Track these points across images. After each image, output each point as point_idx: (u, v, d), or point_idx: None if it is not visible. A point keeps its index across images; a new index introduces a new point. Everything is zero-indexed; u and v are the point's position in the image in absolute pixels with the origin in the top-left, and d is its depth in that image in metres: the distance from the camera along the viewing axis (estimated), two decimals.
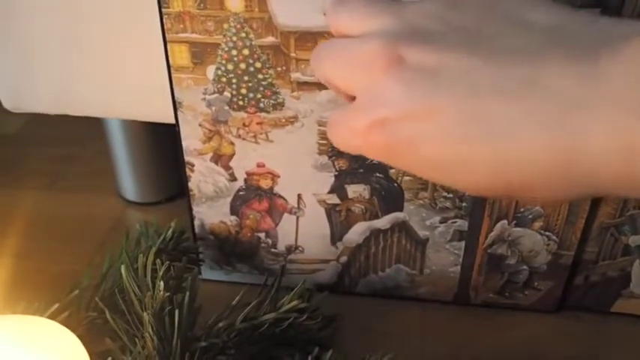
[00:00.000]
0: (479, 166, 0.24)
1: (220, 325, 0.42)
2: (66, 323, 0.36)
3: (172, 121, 0.47)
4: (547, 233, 0.48)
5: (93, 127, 0.62)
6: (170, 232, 0.48)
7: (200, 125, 0.46)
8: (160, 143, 0.61)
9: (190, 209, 0.51)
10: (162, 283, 0.40)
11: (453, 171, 0.25)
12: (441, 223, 0.49)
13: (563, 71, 0.23)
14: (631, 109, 0.21)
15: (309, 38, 0.42)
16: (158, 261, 0.42)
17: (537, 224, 0.47)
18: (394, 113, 0.25)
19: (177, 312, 0.39)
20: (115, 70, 0.51)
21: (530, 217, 0.47)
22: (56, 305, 0.42)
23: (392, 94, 0.25)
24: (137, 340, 0.40)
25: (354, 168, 0.47)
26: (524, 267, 0.50)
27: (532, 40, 0.25)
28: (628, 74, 0.22)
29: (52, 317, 0.40)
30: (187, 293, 0.40)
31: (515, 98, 0.23)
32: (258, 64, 0.43)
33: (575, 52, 0.23)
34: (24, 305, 0.41)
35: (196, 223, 0.51)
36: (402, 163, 0.27)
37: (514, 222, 0.47)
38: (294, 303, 0.44)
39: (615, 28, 0.24)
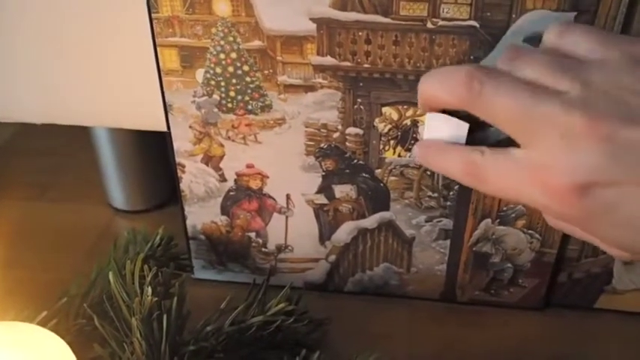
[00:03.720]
0: None
1: (209, 328, 0.43)
2: (55, 330, 0.37)
3: (159, 128, 0.47)
4: (530, 231, 0.49)
5: (81, 138, 0.62)
6: (158, 238, 0.48)
7: (190, 127, 0.47)
8: (148, 152, 0.62)
9: (182, 210, 0.52)
10: (149, 288, 0.40)
11: None
12: (426, 222, 0.50)
13: None
14: None
15: (295, 42, 0.43)
16: (146, 267, 0.42)
17: (520, 222, 0.48)
18: (603, 180, 0.25)
19: (165, 317, 0.39)
20: (101, 79, 0.52)
21: (513, 215, 0.48)
22: (44, 313, 0.42)
23: (602, 164, 0.25)
24: (126, 346, 0.40)
25: (340, 168, 0.48)
26: (509, 265, 0.51)
27: None
28: None
29: (40, 325, 0.40)
30: (175, 298, 0.41)
31: None
32: (245, 68, 0.44)
33: None
34: (13, 314, 0.41)
35: (188, 223, 0.52)
36: (594, 226, 0.27)
37: (497, 220, 0.49)
38: (282, 305, 0.45)
39: None
